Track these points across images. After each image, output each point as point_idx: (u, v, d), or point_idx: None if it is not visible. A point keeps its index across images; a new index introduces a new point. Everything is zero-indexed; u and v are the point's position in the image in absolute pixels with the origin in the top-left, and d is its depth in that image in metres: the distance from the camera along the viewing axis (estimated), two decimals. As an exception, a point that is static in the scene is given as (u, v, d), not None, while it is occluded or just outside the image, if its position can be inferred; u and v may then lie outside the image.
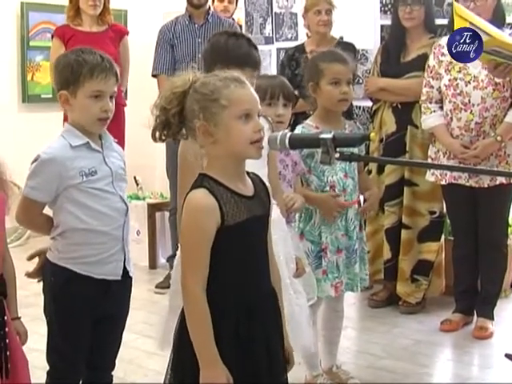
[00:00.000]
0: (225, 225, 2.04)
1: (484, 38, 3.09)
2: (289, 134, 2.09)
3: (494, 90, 4.06)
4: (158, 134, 2.15)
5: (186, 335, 2.06)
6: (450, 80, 4.19)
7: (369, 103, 4.99)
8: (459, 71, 4.15)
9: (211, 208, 2.03)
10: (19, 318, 2.53)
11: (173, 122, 2.12)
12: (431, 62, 4.32)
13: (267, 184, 2.25)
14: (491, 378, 3.83)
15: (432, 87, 4.30)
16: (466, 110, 4.12)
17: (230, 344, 2.05)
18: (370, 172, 4.80)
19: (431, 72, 4.31)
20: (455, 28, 3.11)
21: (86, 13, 5.36)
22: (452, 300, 4.52)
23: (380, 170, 4.78)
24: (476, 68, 4.07)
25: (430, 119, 4.32)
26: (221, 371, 2.02)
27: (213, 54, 2.83)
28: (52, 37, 5.58)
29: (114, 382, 2.89)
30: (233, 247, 2.08)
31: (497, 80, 3.99)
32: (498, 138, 4.05)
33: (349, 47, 4.65)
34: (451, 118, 4.20)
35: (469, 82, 4.11)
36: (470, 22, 3.20)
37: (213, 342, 2.02)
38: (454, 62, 4.12)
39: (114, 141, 2.75)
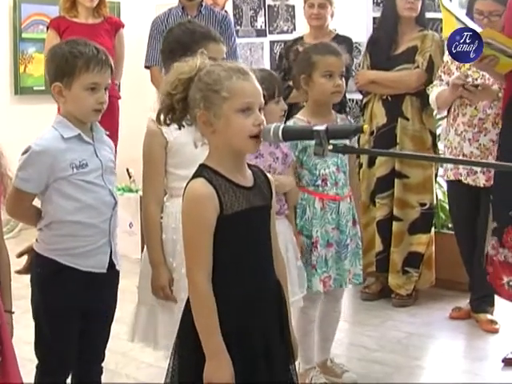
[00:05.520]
0: (223, 214, 2.03)
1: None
2: (282, 126, 2.07)
3: (499, 88, 4.04)
4: (162, 117, 2.14)
5: (189, 327, 2.06)
6: None
7: (361, 96, 4.99)
8: (469, 68, 4.14)
9: (210, 197, 2.02)
10: (12, 313, 2.46)
11: (177, 108, 2.10)
12: (445, 57, 4.32)
13: (269, 176, 2.23)
14: (483, 370, 3.84)
15: (442, 81, 4.31)
16: (471, 106, 4.13)
17: (228, 335, 2.03)
18: (360, 165, 4.81)
19: (444, 67, 4.33)
20: (444, 22, 3.11)
21: (82, 4, 5.36)
22: (443, 292, 4.53)
23: (371, 163, 4.78)
24: None
25: (434, 90, 4.31)
26: (226, 362, 2.02)
27: (185, 38, 2.87)
28: (47, 28, 5.57)
29: (105, 374, 2.89)
30: (232, 237, 2.07)
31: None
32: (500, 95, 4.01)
33: (346, 41, 4.66)
34: (457, 114, 4.21)
35: (476, 80, 4.10)
36: (456, 17, 3.22)
37: (219, 332, 2.01)
38: None
39: (105, 133, 2.74)
